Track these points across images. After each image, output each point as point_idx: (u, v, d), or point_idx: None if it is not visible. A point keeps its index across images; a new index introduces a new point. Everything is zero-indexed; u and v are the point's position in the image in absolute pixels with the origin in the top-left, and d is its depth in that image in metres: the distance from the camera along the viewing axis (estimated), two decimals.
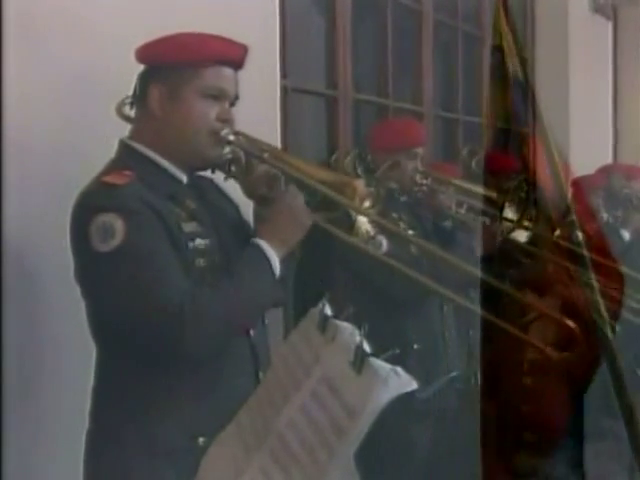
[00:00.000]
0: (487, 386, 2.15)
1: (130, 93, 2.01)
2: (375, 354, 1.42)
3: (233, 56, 1.98)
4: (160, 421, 1.85)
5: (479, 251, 2.99)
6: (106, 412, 1.90)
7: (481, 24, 5.26)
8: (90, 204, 1.82)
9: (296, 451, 1.46)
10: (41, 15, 2.14)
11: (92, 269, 1.82)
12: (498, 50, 2.11)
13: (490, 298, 2.00)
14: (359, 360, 1.42)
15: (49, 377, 2.16)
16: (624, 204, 4.97)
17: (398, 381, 1.37)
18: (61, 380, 2.16)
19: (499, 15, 2.11)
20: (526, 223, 2.20)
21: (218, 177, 2.08)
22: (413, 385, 1.38)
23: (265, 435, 1.52)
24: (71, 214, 1.84)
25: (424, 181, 3.24)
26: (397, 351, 1.43)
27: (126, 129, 2.01)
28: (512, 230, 2.24)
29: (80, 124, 2.22)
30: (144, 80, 1.97)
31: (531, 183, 2.11)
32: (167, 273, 1.79)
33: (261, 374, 1.91)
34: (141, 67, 1.99)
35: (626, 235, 4.87)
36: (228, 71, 1.97)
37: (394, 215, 3.10)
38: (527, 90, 2.06)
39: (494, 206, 2.40)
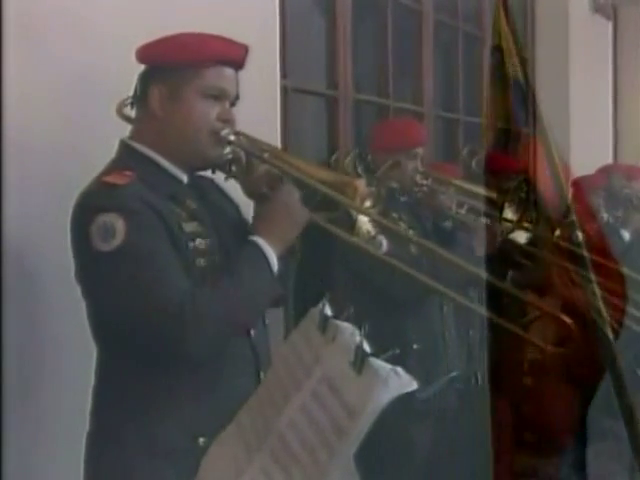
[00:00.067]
0: (494, 385, 2.15)
1: (130, 93, 2.01)
2: (375, 354, 1.42)
3: (234, 56, 1.98)
4: (160, 421, 1.85)
5: (479, 251, 2.99)
6: (106, 412, 1.90)
7: (481, 24, 5.26)
8: (91, 204, 1.82)
9: (296, 451, 1.46)
10: (41, 15, 2.14)
11: (93, 269, 1.82)
12: (498, 50, 2.11)
13: (493, 298, 2.00)
14: (359, 360, 1.42)
15: (49, 377, 2.16)
16: (624, 204, 4.97)
17: (398, 381, 1.37)
18: (61, 380, 2.16)
19: (499, 15, 2.11)
20: (526, 224, 2.20)
21: (219, 177, 2.08)
22: (413, 385, 1.38)
23: (265, 435, 1.52)
24: (72, 214, 1.84)
25: (424, 181, 3.24)
26: (397, 351, 1.43)
27: (126, 129, 2.01)
28: (512, 230, 2.24)
29: (80, 124, 2.22)
30: (145, 80, 1.97)
31: (531, 183, 2.11)
32: (167, 273, 1.79)
33: (262, 374, 1.91)
34: (141, 67, 1.99)
35: (626, 235, 4.87)
36: (229, 71, 1.97)
37: (394, 215, 3.10)
38: (527, 90, 2.06)
39: (495, 206, 2.40)
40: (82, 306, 1.89)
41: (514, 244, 2.24)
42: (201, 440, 1.80)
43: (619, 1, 6.80)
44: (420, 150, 3.25)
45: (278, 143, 2.99)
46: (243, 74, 2.02)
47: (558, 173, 2.02)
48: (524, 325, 1.94)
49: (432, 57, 4.68)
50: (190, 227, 1.89)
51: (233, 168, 2.03)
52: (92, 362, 1.93)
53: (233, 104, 1.99)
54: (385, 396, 1.37)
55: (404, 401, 1.40)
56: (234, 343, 1.90)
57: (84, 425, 1.92)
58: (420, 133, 3.40)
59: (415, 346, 3.06)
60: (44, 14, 2.15)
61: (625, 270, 2.41)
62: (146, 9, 2.39)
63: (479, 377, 3.35)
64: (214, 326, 1.80)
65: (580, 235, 2.00)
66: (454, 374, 3.24)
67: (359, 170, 3.28)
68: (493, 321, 2.00)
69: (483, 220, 3.14)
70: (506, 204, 2.26)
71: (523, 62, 2.08)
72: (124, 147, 1.97)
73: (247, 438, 1.58)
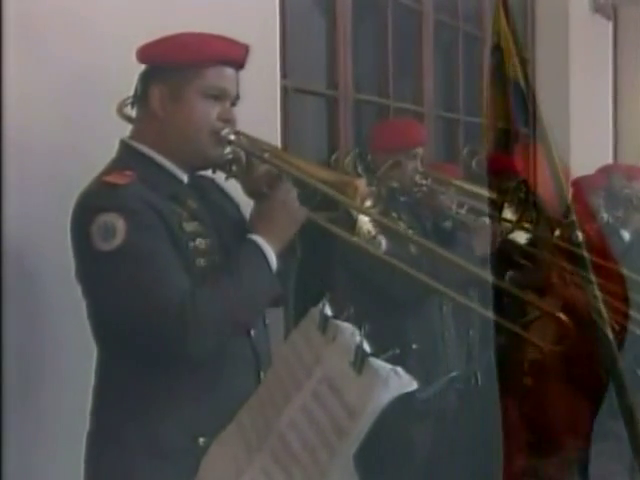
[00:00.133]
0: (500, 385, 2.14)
1: (131, 93, 2.01)
2: (375, 354, 1.42)
3: (234, 56, 1.98)
4: (161, 421, 1.85)
5: (479, 251, 2.99)
6: (107, 412, 1.90)
7: (482, 24, 5.27)
8: (91, 204, 1.82)
9: (297, 451, 1.46)
10: (41, 15, 2.14)
11: (93, 268, 1.82)
12: (498, 50, 2.11)
13: (493, 298, 2.00)
14: (359, 360, 1.42)
15: (49, 377, 2.16)
16: (624, 204, 4.98)
17: (398, 381, 1.37)
18: (61, 380, 2.16)
19: (499, 15, 2.11)
20: (526, 224, 2.19)
21: (219, 177, 2.08)
22: (413, 385, 1.38)
23: (266, 435, 1.52)
24: (72, 214, 1.84)
25: (424, 181, 3.25)
26: (397, 351, 1.43)
27: (127, 129, 2.01)
28: (511, 231, 2.24)
29: (80, 124, 2.22)
30: (145, 80, 1.97)
31: (531, 184, 2.11)
32: (168, 273, 1.79)
33: (262, 374, 1.91)
34: (142, 67, 1.99)
35: (626, 235, 4.87)
36: (229, 71, 1.97)
37: (394, 215, 3.10)
38: (527, 90, 2.06)
39: (495, 207, 2.40)
40: (82, 306, 1.89)
41: (514, 244, 2.24)
42: (201, 440, 1.80)
43: (619, 1, 6.81)
44: (420, 150, 3.26)
45: (278, 143, 2.99)
46: (243, 74, 2.02)
47: (558, 173, 2.01)
48: (524, 325, 1.94)
49: (432, 57, 4.68)
50: (190, 227, 1.89)
51: (233, 168, 2.03)
52: (92, 362, 1.93)
53: (234, 104, 1.99)
54: (385, 396, 1.37)
55: (404, 401, 1.40)
56: (234, 343, 1.90)
57: (84, 425, 1.92)
58: (420, 133, 3.40)
59: (414, 346, 3.06)
60: (44, 14, 2.15)
61: (625, 270, 2.41)
62: (146, 9, 2.39)
63: (479, 377, 3.36)
64: (214, 325, 1.80)
65: (580, 235, 2.00)
66: (454, 374, 3.24)
67: (359, 170, 3.28)
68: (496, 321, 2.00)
69: (483, 220, 3.14)
70: (505, 204, 2.26)
71: (523, 62, 2.07)
72: (124, 147, 1.97)
73: (247, 438, 1.58)
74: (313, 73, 3.90)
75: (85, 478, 1.92)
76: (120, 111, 2.07)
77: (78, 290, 1.88)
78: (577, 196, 2.17)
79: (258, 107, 2.61)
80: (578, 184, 4.39)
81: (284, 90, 3.30)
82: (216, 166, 2.02)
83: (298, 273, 2.14)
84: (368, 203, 2.05)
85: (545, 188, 2.06)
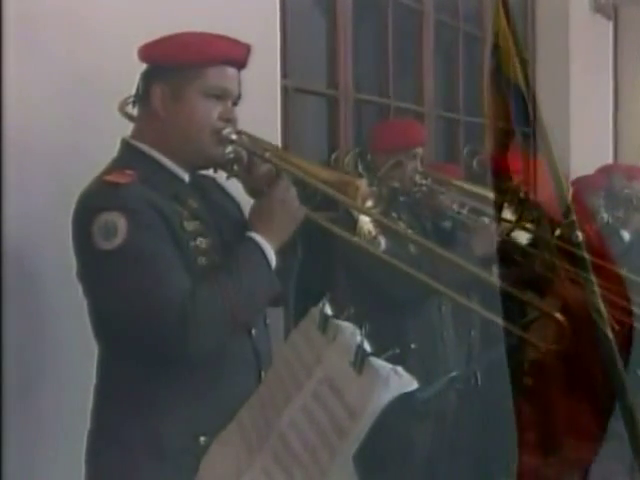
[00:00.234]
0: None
1: (133, 92, 2.01)
2: (375, 354, 1.42)
3: (236, 56, 1.98)
4: (161, 420, 1.85)
5: (479, 251, 2.99)
6: (107, 411, 1.90)
7: (482, 24, 5.26)
8: (93, 203, 1.82)
9: (297, 451, 1.46)
10: (41, 15, 2.14)
11: (94, 267, 1.82)
12: (498, 50, 2.11)
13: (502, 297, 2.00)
14: (360, 360, 1.42)
15: (49, 377, 2.16)
16: (625, 204, 4.97)
17: (399, 381, 1.38)
18: (61, 380, 2.17)
19: (499, 15, 2.11)
20: (526, 224, 2.19)
21: (220, 176, 2.08)
22: (414, 385, 1.38)
23: (267, 435, 1.52)
24: (73, 213, 1.84)
25: (424, 181, 3.25)
26: (397, 351, 1.43)
27: (128, 129, 2.01)
28: (511, 230, 2.24)
29: (81, 124, 2.23)
30: (147, 79, 1.97)
31: (530, 184, 2.11)
32: (169, 272, 1.79)
33: (263, 374, 1.91)
34: (143, 66, 1.99)
35: (626, 236, 4.87)
36: (231, 71, 1.97)
37: (394, 215, 3.10)
38: (527, 90, 2.06)
39: (496, 207, 2.40)
40: (83, 305, 1.90)
41: (514, 244, 2.24)
42: (202, 439, 1.81)
43: (619, 1, 6.80)
44: (420, 150, 3.26)
45: (278, 143, 2.99)
46: (244, 74, 2.02)
47: (558, 173, 2.01)
48: (524, 325, 1.94)
49: (432, 57, 4.67)
50: (191, 226, 1.89)
51: (235, 167, 2.03)
52: (93, 361, 1.93)
53: (235, 103, 1.99)
54: (386, 396, 1.37)
55: (404, 401, 1.40)
56: (235, 342, 1.91)
57: (85, 424, 1.92)
58: (420, 133, 3.40)
59: (413, 346, 3.06)
60: (44, 14, 2.15)
61: (625, 271, 2.41)
62: (147, 9, 2.39)
63: (479, 377, 3.35)
64: (215, 324, 1.80)
65: (580, 235, 2.00)
66: (454, 374, 3.24)
67: (360, 170, 3.28)
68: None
69: (483, 220, 3.14)
70: (505, 204, 2.26)
71: (523, 62, 2.07)
72: (126, 146, 1.97)
73: (248, 437, 1.58)
74: (313, 73, 3.90)
75: (86, 477, 1.92)
76: (122, 110, 2.07)
77: (79, 290, 1.88)
78: (577, 196, 2.17)
79: (258, 107, 2.61)
80: (578, 184, 4.40)
81: (284, 90, 3.30)
82: (217, 165, 2.02)
83: (298, 273, 2.14)
84: (369, 203, 2.05)
85: (545, 188, 2.06)
